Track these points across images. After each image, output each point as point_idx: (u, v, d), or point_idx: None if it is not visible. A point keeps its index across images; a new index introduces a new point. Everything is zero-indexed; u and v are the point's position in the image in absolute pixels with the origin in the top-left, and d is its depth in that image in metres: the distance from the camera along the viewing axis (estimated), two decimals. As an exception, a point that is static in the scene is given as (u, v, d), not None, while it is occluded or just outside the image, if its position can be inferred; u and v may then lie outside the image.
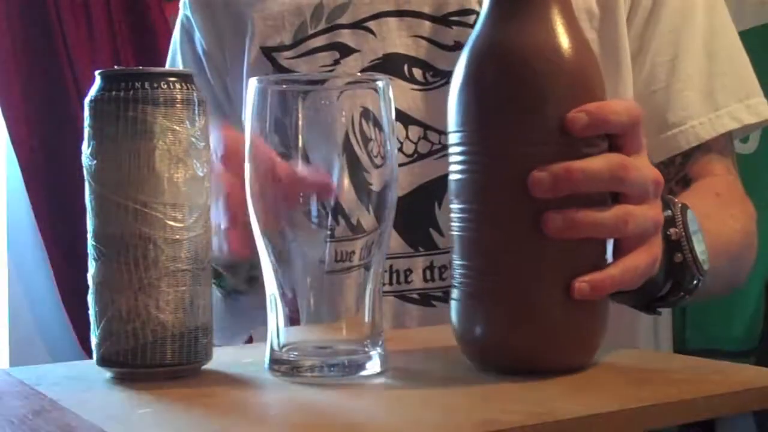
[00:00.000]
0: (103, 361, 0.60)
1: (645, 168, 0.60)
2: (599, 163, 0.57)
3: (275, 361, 0.60)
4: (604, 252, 0.59)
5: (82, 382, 0.60)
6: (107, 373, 0.60)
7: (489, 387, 0.56)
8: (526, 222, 0.56)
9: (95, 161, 0.59)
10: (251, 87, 0.60)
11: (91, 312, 0.61)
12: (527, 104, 0.56)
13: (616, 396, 0.53)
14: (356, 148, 0.59)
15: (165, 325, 0.59)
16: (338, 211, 0.59)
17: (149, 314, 0.58)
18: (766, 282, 1.74)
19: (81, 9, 2.14)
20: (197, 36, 0.99)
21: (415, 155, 0.85)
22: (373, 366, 0.59)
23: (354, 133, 0.59)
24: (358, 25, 0.90)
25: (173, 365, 0.59)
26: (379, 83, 0.60)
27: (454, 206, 0.59)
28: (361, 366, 0.59)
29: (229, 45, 0.96)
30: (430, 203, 0.87)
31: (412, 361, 0.64)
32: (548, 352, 0.57)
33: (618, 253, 0.59)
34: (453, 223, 0.59)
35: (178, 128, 0.59)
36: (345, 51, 0.89)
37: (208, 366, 0.62)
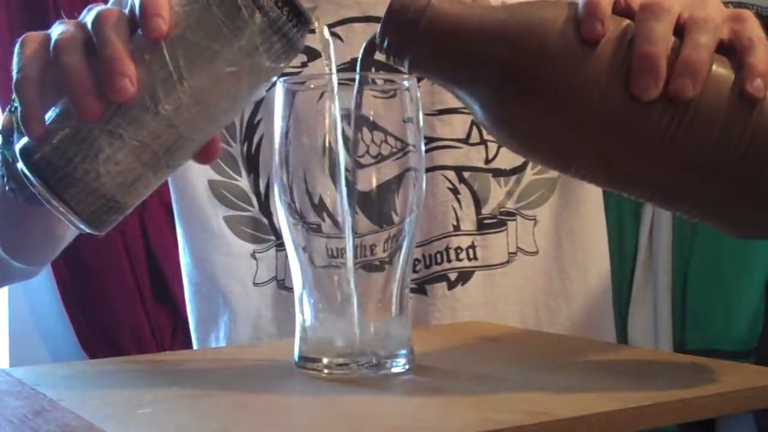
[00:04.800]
0: (24, 156, 0.57)
1: None
2: (656, 27, 0.54)
3: (303, 358, 0.61)
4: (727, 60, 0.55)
5: (82, 382, 0.60)
6: (106, 373, 0.60)
7: (489, 387, 0.56)
8: (661, 137, 0.54)
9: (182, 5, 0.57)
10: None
11: (57, 107, 0.58)
12: (553, 81, 0.54)
13: (616, 396, 0.53)
14: (335, 147, 0.60)
15: (98, 177, 0.56)
16: (321, 208, 0.60)
17: (95, 157, 0.56)
18: (766, 282, 1.74)
19: (81, 9, 2.14)
20: None
21: (379, 157, 0.86)
22: (399, 363, 0.60)
23: (334, 132, 0.59)
24: None
25: (72, 210, 0.57)
26: (405, 83, 0.61)
27: (630, 196, 0.58)
28: (385, 364, 0.59)
29: None
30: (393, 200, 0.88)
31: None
32: None
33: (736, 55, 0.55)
34: (651, 203, 0.59)
35: (263, 53, 0.57)
36: (312, 54, 0.89)
37: (209, 366, 0.62)
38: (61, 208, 0.57)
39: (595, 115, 0.54)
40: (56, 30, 0.59)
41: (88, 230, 0.59)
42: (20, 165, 0.58)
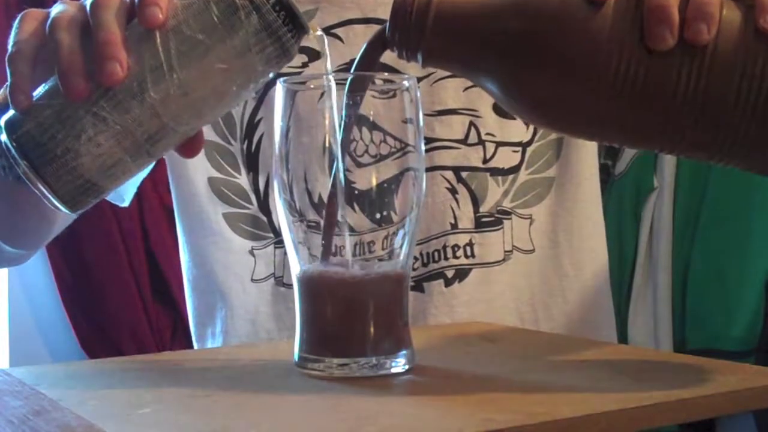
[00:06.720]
0: (8, 129, 0.57)
1: None
2: None
3: (303, 358, 0.61)
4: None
5: (82, 382, 0.60)
6: (106, 373, 0.60)
7: (489, 387, 0.56)
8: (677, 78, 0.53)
9: None
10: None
11: (47, 84, 0.58)
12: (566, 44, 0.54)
13: (616, 396, 0.53)
14: (334, 147, 0.60)
15: (77, 157, 0.56)
16: (321, 206, 0.60)
17: (77, 137, 0.56)
18: (766, 282, 1.74)
19: None
20: None
21: (378, 156, 0.87)
22: (398, 363, 0.60)
23: (333, 132, 0.60)
24: (326, 31, 0.90)
25: (49, 187, 0.57)
26: (405, 83, 0.61)
27: (679, 153, 0.57)
28: (385, 364, 0.59)
29: None
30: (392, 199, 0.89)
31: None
32: None
33: None
34: (680, 156, 0.58)
35: (255, 55, 0.58)
36: (312, 55, 0.90)
37: (209, 366, 0.62)
38: (39, 184, 0.57)
39: (615, 75, 0.54)
40: (56, 9, 0.60)
41: (62, 209, 0.59)
42: (3, 137, 0.58)
